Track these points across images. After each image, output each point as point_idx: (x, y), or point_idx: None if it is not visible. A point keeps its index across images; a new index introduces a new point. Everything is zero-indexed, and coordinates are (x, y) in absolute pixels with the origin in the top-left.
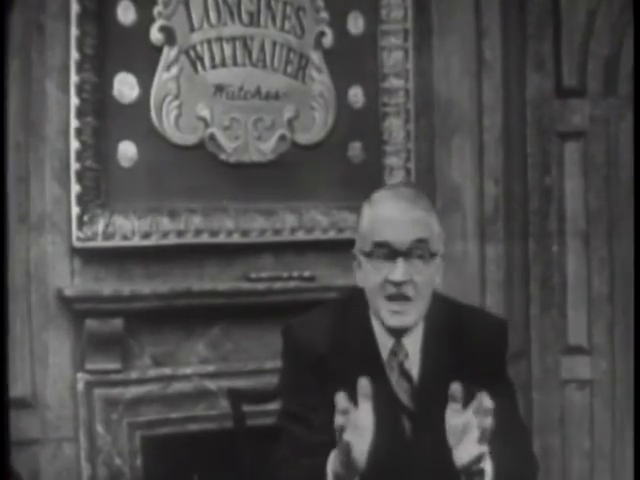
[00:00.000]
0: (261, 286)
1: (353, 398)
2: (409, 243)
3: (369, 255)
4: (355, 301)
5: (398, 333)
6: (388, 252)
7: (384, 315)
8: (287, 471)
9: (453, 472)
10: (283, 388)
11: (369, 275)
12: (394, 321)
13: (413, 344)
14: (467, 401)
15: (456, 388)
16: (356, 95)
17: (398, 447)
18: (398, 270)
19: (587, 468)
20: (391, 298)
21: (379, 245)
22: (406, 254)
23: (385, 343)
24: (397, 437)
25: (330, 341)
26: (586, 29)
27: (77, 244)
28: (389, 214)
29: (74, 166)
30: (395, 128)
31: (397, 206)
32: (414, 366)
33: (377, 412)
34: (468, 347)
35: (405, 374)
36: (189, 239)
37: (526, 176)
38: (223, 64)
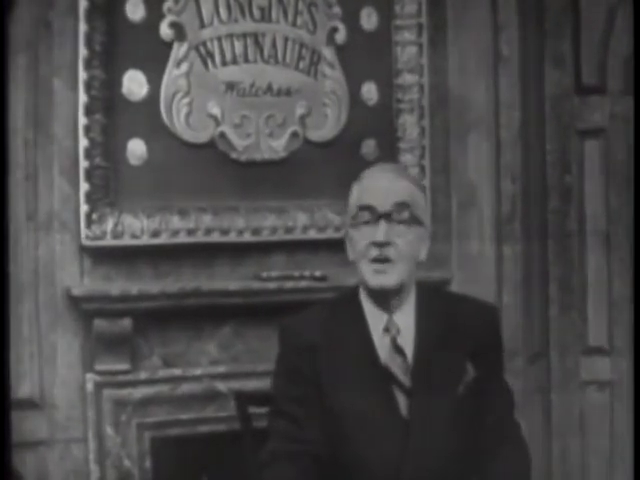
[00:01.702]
0: (272, 285)
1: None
2: (390, 206)
3: (354, 221)
4: (347, 295)
5: (383, 299)
6: (371, 215)
7: (368, 277)
8: (274, 467)
9: (449, 447)
10: (274, 387)
11: (355, 242)
12: (376, 280)
13: (405, 321)
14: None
15: None
16: (369, 91)
17: (394, 426)
18: (380, 231)
19: (606, 470)
20: (374, 260)
21: (362, 208)
22: (387, 216)
23: (377, 323)
24: (393, 416)
25: (322, 331)
26: (606, 25)
27: (86, 243)
28: (373, 183)
29: (83, 164)
30: (409, 125)
31: (382, 176)
32: (407, 342)
33: (371, 394)
34: (460, 326)
35: (398, 349)
36: (199, 238)
37: (545, 174)
38: (234, 61)
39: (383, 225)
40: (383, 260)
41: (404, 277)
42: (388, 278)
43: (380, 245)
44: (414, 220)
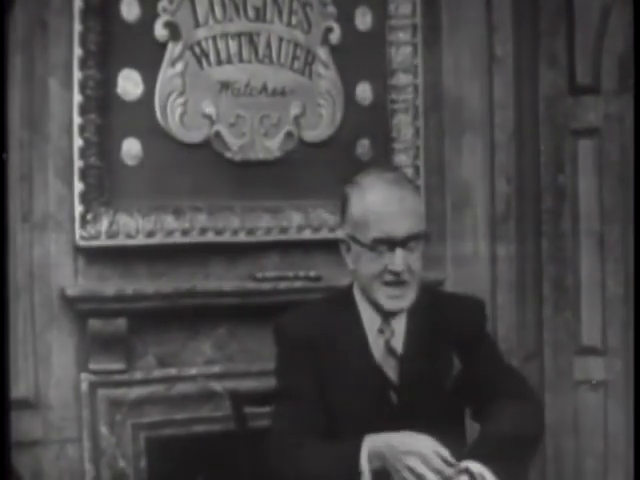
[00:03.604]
0: (267, 286)
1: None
2: (407, 235)
3: (368, 247)
4: (341, 294)
5: (392, 315)
6: (387, 244)
7: (382, 300)
8: (290, 452)
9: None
10: (277, 380)
11: (367, 264)
12: (392, 304)
13: (399, 323)
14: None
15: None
16: (364, 92)
17: (389, 424)
18: (398, 260)
19: (601, 470)
20: (389, 284)
21: (379, 240)
22: (403, 244)
23: (372, 324)
24: (386, 415)
25: (318, 329)
26: (601, 25)
27: (80, 243)
28: (386, 207)
29: (77, 164)
30: (404, 125)
31: (391, 196)
32: (399, 344)
33: (366, 393)
34: (447, 323)
35: (391, 351)
36: (194, 238)
37: (539, 174)
38: (229, 60)
39: (400, 253)
40: (399, 284)
41: (416, 295)
42: (403, 302)
43: (397, 273)
44: (422, 238)
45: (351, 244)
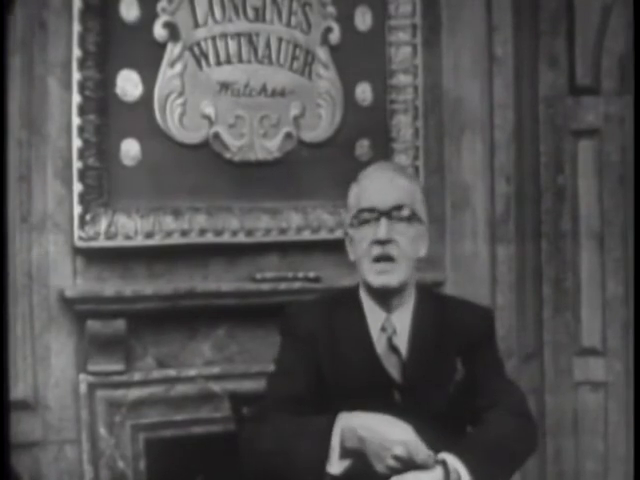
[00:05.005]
0: (266, 287)
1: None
2: (390, 204)
3: (356, 221)
4: (347, 291)
5: (384, 298)
6: (372, 215)
7: (371, 277)
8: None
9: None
10: (274, 363)
11: (357, 243)
12: (380, 280)
13: (402, 322)
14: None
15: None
16: (364, 92)
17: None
18: (381, 229)
19: (601, 471)
20: (377, 259)
21: (364, 210)
22: (388, 214)
23: (375, 320)
24: (389, 412)
25: (323, 323)
26: (601, 25)
27: (79, 244)
28: (373, 183)
29: (76, 164)
30: (403, 125)
31: (381, 175)
32: (403, 342)
33: (368, 389)
34: (454, 328)
35: (394, 349)
36: (193, 239)
37: (539, 175)
38: (228, 61)
39: (384, 223)
40: (385, 259)
41: (406, 276)
42: (391, 278)
43: (382, 243)
44: (414, 217)
45: (349, 232)
